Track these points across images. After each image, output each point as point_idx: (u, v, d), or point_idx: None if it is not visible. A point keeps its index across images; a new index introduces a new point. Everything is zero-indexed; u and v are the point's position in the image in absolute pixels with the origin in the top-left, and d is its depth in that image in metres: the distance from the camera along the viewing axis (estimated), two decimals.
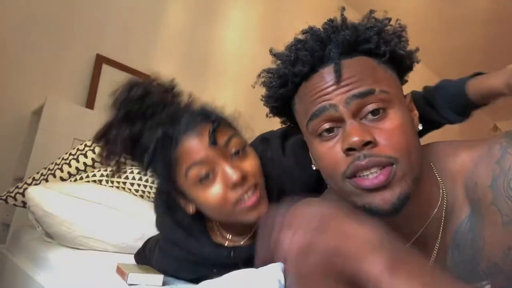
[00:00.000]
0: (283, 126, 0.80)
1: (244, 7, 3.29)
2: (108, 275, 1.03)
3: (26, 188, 1.46)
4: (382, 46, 0.62)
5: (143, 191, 1.49)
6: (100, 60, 2.46)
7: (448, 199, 0.64)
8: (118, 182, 1.50)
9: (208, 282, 0.77)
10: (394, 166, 0.57)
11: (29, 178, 1.62)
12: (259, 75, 0.71)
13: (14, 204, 1.59)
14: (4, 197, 1.57)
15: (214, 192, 0.81)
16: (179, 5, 2.82)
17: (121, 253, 1.34)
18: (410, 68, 0.67)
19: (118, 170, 0.93)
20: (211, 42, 2.99)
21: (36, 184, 1.52)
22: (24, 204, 1.55)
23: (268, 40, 3.49)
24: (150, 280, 0.93)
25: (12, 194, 1.57)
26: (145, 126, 0.85)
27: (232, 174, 0.80)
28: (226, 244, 0.93)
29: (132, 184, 1.49)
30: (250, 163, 0.85)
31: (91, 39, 2.45)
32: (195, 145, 0.81)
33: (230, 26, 3.12)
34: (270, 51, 0.70)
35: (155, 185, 1.48)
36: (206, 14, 2.97)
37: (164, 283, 0.94)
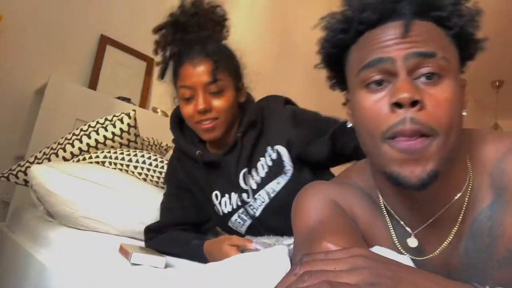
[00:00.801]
0: (329, 80, 0.78)
1: None
2: (110, 255, 1.03)
3: (29, 167, 1.45)
4: (454, 18, 0.60)
5: (146, 174, 1.49)
6: (104, 41, 2.44)
7: (473, 185, 0.64)
8: (122, 165, 1.49)
9: (215, 264, 0.78)
10: (433, 138, 0.56)
11: (31, 156, 1.61)
12: (323, 17, 0.68)
13: (16, 182, 1.58)
14: (6, 175, 1.57)
15: (188, 109, 1.12)
16: None
17: (122, 236, 1.34)
18: (471, 56, 0.66)
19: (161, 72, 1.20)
20: None
21: (38, 163, 1.51)
22: (26, 182, 1.54)
23: (275, 29, 3.47)
24: (153, 261, 0.93)
25: (14, 172, 1.56)
26: (183, 38, 1.14)
27: (200, 104, 1.08)
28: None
29: (135, 167, 1.49)
30: (219, 102, 1.11)
31: (96, 20, 2.43)
32: (188, 72, 1.10)
33: (236, 13, 3.09)
34: None
35: (158, 169, 1.48)
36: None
37: (166, 266, 0.95)
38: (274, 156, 1.15)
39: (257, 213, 1.16)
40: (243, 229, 1.20)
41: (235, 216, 1.19)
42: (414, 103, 0.56)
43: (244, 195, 1.17)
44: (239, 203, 1.17)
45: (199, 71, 1.08)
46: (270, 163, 1.15)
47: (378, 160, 0.61)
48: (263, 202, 1.15)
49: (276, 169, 1.14)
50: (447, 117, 0.56)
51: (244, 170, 1.15)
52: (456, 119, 0.58)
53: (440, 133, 0.56)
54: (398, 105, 0.56)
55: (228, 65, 1.13)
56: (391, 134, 0.57)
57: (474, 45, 0.64)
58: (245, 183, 1.16)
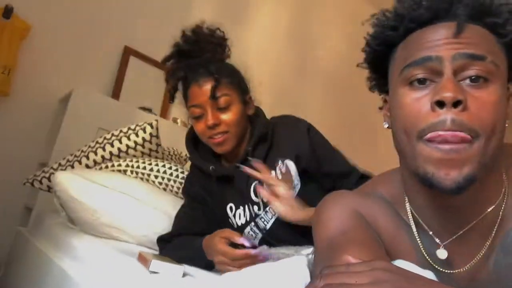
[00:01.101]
0: (368, 82, 0.77)
1: (273, 7, 3.29)
2: (129, 263, 1.04)
3: (52, 173, 1.49)
4: (508, 25, 0.59)
5: (166, 184, 1.50)
6: (128, 52, 2.50)
7: (508, 199, 0.61)
8: (143, 174, 1.52)
9: (232, 274, 0.78)
10: (473, 141, 0.54)
11: (55, 163, 1.65)
12: (373, 15, 0.67)
13: (40, 188, 1.62)
14: (31, 181, 1.61)
15: (199, 126, 1.18)
16: (207, 3, 2.84)
17: (141, 245, 1.35)
18: None
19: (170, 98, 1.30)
20: (237, 41, 2.99)
21: (62, 170, 1.55)
22: (49, 188, 1.58)
23: (295, 44, 3.49)
24: (172, 270, 0.94)
25: (38, 178, 1.60)
26: (186, 63, 1.21)
27: (209, 120, 1.14)
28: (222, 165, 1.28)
29: (156, 177, 1.51)
30: (228, 116, 1.16)
31: (120, 31, 2.49)
32: (195, 92, 1.17)
33: (256, 27, 3.12)
34: None
35: (178, 179, 1.49)
36: (234, 13, 2.98)
37: (184, 274, 0.95)
38: (283, 169, 1.17)
39: (268, 226, 1.17)
40: (256, 242, 1.20)
41: (247, 229, 1.20)
42: (456, 104, 0.54)
43: (256, 208, 1.18)
44: (252, 216, 1.19)
45: (204, 90, 1.15)
46: (280, 177, 1.16)
47: (412, 160, 0.59)
48: (274, 214, 1.15)
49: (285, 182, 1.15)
50: (491, 119, 0.54)
51: (255, 182, 1.17)
52: (500, 124, 0.56)
53: (481, 135, 0.54)
54: (440, 104, 0.55)
55: (231, 81, 1.19)
56: (429, 136, 0.55)
57: None
58: (256, 195, 1.18)
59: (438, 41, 0.58)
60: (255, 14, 3.10)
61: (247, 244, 1.02)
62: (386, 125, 0.67)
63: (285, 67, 3.18)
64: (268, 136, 1.21)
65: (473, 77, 0.56)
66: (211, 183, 1.24)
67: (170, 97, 1.29)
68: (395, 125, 0.63)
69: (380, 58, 0.68)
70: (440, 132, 0.54)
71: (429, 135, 0.55)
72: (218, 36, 1.26)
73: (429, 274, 0.58)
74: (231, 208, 1.23)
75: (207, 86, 1.14)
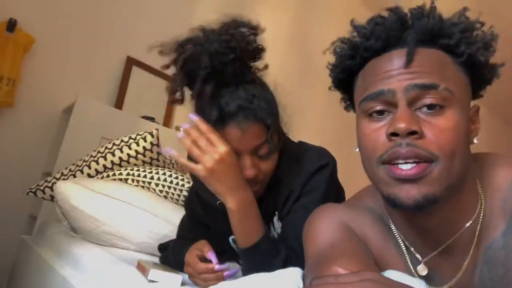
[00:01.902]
0: (342, 102, 0.77)
1: (273, 12, 3.31)
2: (130, 272, 1.05)
3: (55, 183, 1.51)
4: (462, 46, 0.59)
5: (167, 192, 1.52)
6: (131, 62, 2.52)
7: (485, 212, 0.62)
8: (144, 182, 1.53)
9: (229, 284, 0.78)
10: (433, 164, 0.55)
11: (58, 173, 1.67)
12: (333, 42, 0.69)
13: (43, 197, 1.64)
14: (33, 190, 1.63)
15: None
16: (209, 10, 2.87)
17: (141, 252, 1.37)
18: (488, 81, 0.64)
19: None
20: None
21: (64, 179, 1.57)
22: (52, 197, 1.60)
23: (296, 48, 3.51)
24: (170, 279, 0.94)
25: (41, 188, 1.62)
26: (210, 88, 0.93)
27: (248, 170, 0.93)
28: None
29: (156, 185, 1.52)
30: (267, 166, 0.97)
31: (122, 41, 2.52)
32: (234, 136, 0.92)
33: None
34: (351, 21, 0.67)
35: (179, 187, 1.50)
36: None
37: (183, 283, 0.96)
38: (277, 227, 1.07)
39: None
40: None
41: None
42: (411, 134, 0.55)
43: None
44: None
45: (248, 136, 0.92)
46: (274, 233, 1.07)
47: (377, 184, 0.61)
48: None
49: None
50: (450, 144, 0.55)
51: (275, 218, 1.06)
52: (461, 146, 0.57)
53: (440, 159, 0.55)
54: (395, 134, 0.56)
55: (276, 121, 0.97)
56: (387, 158, 0.57)
57: (489, 72, 0.63)
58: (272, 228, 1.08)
59: (391, 72, 0.59)
60: (255, 18, 3.12)
61: (213, 259, 0.95)
62: (357, 149, 0.69)
63: (286, 72, 3.18)
64: (283, 180, 1.02)
65: (428, 105, 0.57)
66: (215, 212, 1.07)
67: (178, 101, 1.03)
68: (360, 151, 0.65)
69: (346, 83, 0.70)
70: (398, 148, 0.56)
71: (387, 157, 0.57)
72: (256, 47, 1.02)
73: (419, 284, 0.58)
74: (234, 240, 1.02)
75: (252, 132, 0.92)
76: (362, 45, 0.63)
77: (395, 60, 0.59)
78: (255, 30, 1.02)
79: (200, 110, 0.96)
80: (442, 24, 0.60)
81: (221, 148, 0.87)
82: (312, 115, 3.44)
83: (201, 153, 0.88)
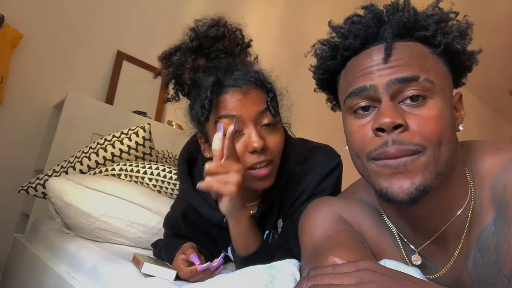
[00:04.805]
0: (329, 103, 0.78)
1: (264, 6, 3.29)
2: (124, 267, 1.04)
3: (47, 180, 1.49)
4: (438, 36, 0.60)
5: (161, 186, 1.51)
6: (121, 57, 2.50)
7: (476, 200, 0.63)
8: (137, 177, 1.52)
9: (223, 276, 0.78)
10: (420, 154, 0.56)
11: (50, 170, 1.65)
12: (314, 45, 0.71)
13: (35, 195, 1.62)
14: (25, 188, 1.61)
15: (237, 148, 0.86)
16: (199, 3, 2.85)
17: (137, 247, 1.36)
18: (467, 69, 0.66)
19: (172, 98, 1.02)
20: None
21: (56, 176, 1.55)
22: (44, 195, 1.58)
23: (287, 40, 3.50)
24: (164, 274, 0.93)
25: (33, 185, 1.60)
26: (206, 64, 0.93)
27: (256, 141, 0.85)
28: None
29: (150, 179, 1.51)
30: (275, 140, 0.90)
31: (112, 36, 2.49)
32: (235, 100, 0.86)
33: (249, 25, 3.12)
34: (329, 23, 0.68)
35: (172, 181, 1.50)
36: (226, 13, 2.98)
37: (177, 277, 0.95)
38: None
39: None
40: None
41: None
42: (396, 127, 0.56)
43: None
44: None
45: (250, 100, 0.87)
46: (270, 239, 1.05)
47: (368, 178, 0.62)
48: None
49: None
50: (435, 132, 0.57)
51: (267, 232, 1.03)
52: (447, 134, 0.58)
53: (428, 147, 0.56)
54: (381, 130, 0.57)
55: (273, 89, 0.94)
56: (376, 155, 0.58)
57: (467, 59, 0.64)
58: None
59: (371, 68, 0.60)
60: (246, 12, 3.10)
61: (195, 261, 0.93)
62: (346, 147, 0.69)
63: (278, 65, 3.18)
64: (290, 183, 0.97)
65: (411, 97, 0.58)
66: (208, 225, 1.03)
67: (172, 97, 1.01)
68: (349, 148, 0.66)
69: (329, 84, 0.72)
70: (386, 149, 0.57)
71: (376, 154, 0.58)
72: (243, 38, 1.03)
73: (415, 272, 0.58)
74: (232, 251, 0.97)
75: (253, 95, 0.88)
76: (341, 45, 0.64)
77: (375, 56, 0.60)
78: (240, 26, 1.03)
79: (196, 95, 0.93)
80: (417, 17, 0.61)
81: (234, 166, 0.81)
82: (305, 107, 3.42)
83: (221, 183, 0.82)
